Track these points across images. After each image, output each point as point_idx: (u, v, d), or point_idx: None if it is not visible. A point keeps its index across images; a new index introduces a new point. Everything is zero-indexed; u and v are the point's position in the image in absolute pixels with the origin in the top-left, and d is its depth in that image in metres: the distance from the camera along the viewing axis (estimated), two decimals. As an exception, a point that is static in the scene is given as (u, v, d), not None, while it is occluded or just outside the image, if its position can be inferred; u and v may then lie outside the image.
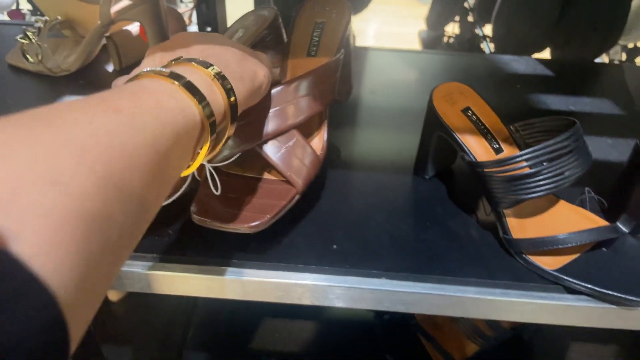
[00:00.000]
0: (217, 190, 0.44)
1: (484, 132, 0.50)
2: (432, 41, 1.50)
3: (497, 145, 0.50)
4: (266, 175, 0.47)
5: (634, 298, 0.42)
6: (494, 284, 0.45)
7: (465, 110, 0.52)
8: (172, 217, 0.49)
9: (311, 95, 0.45)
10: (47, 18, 0.74)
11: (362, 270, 0.46)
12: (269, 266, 0.46)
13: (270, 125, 0.44)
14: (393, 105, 0.70)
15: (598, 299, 0.44)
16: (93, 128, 0.22)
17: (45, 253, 0.17)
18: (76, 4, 0.74)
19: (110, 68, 0.74)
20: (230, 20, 0.94)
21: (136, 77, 0.31)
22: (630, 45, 1.20)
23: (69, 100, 0.24)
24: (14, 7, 1.58)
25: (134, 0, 0.65)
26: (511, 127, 0.50)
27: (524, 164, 0.42)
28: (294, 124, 0.45)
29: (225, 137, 0.36)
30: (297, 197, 0.46)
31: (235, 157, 0.45)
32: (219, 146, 0.36)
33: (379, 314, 0.84)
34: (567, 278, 0.44)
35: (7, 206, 0.17)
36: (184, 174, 0.35)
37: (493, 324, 0.76)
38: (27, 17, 1.59)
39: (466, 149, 0.48)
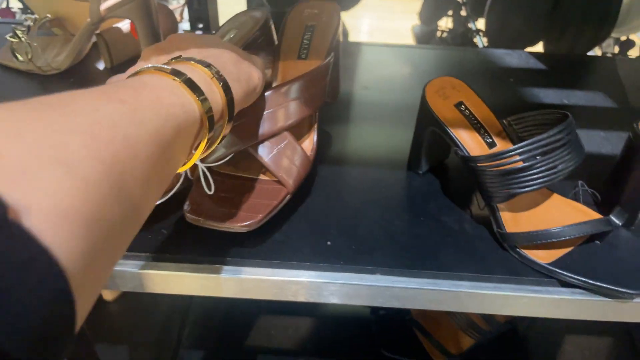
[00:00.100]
0: (210, 190, 0.44)
1: (477, 126, 0.50)
2: (426, 36, 1.50)
3: (490, 140, 0.50)
4: (258, 176, 0.48)
5: (627, 290, 0.42)
6: (488, 279, 0.45)
7: (458, 105, 0.51)
8: (165, 216, 0.48)
9: (302, 99, 0.46)
10: (37, 16, 0.73)
11: (357, 266, 0.46)
12: (263, 264, 0.45)
13: (262, 127, 0.45)
14: (386, 100, 0.70)
15: (592, 292, 0.44)
16: (99, 117, 0.23)
17: (54, 228, 0.18)
18: (66, 1, 0.73)
19: (101, 66, 0.73)
20: (222, 17, 0.93)
21: (137, 73, 0.32)
22: (623, 38, 1.20)
23: (73, 91, 0.25)
24: (3, 5, 1.56)
25: (123, -3, 0.64)
26: (504, 121, 0.50)
27: (517, 157, 0.42)
28: (285, 126, 0.46)
29: (222, 135, 0.36)
30: (288, 196, 0.47)
31: (228, 158, 0.46)
32: (216, 143, 0.36)
33: (375, 309, 0.84)
34: (560, 271, 0.44)
35: (18, 181, 0.18)
36: (180, 169, 0.35)
37: (488, 318, 0.76)
38: (18, 16, 1.57)
39: (459, 143, 0.48)
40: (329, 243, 0.47)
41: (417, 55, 0.82)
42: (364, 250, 0.47)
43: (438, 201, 0.53)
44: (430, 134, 0.52)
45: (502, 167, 0.43)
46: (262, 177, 0.48)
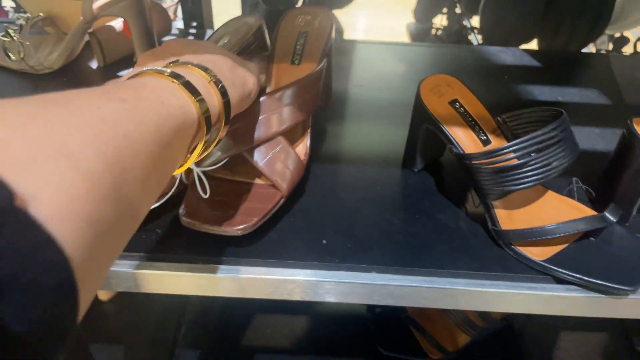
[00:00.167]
0: (205, 194, 0.44)
1: (471, 124, 0.50)
2: (421, 34, 1.50)
3: (485, 137, 0.50)
4: (253, 180, 0.48)
5: (621, 287, 0.42)
6: (483, 276, 0.45)
7: (453, 102, 0.51)
8: (159, 216, 0.48)
9: (295, 105, 0.47)
10: (29, 15, 0.72)
11: (352, 264, 0.46)
12: (259, 262, 0.45)
13: (257, 132, 0.45)
14: (381, 98, 0.70)
15: (586, 289, 0.44)
16: (101, 114, 0.23)
17: (60, 218, 0.18)
18: (58, 0, 0.72)
19: (94, 65, 0.72)
20: (216, 15, 0.93)
21: (136, 75, 0.32)
22: (617, 35, 1.21)
23: (75, 90, 0.25)
24: (-4, 4, 1.55)
25: (116, -4, 0.64)
26: (498, 118, 0.50)
27: (512, 155, 0.42)
28: (279, 131, 0.46)
29: (218, 138, 0.37)
30: (282, 200, 0.47)
31: (223, 162, 0.46)
32: (212, 146, 0.37)
33: (371, 307, 0.84)
34: (555, 268, 0.44)
35: (25, 171, 0.18)
36: (177, 171, 0.36)
37: (484, 315, 0.76)
38: (11, 15, 1.56)
39: (454, 141, 0.48)
40: (324, 241, 0.47)
41: (411, 53, 0.82)
42: (360, 249, 0.47)
43: (433, 199, 0.53)
44: (425, 132, 0.52)
45: (497, 165, 0.43)
46: (256, 181, 0.48)
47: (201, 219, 0.44)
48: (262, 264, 0.45)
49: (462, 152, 0.47)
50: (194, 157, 0.35)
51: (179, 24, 0.87)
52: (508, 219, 0.47)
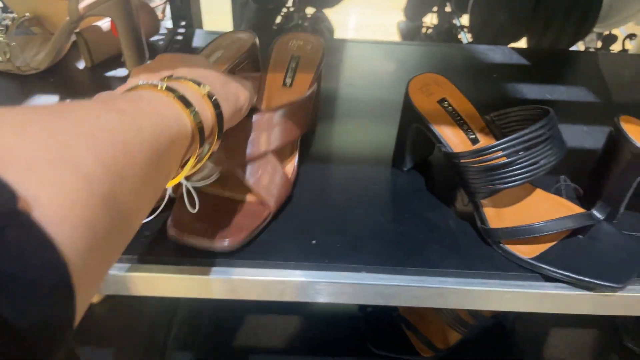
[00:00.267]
0: (194, 208, 0.45)
1: (460, 122, 0.50)
2: (411, 32, 1.50)
3: (474, 136, 0.50)
4: (241, 196, 0.49)
5: (609, 284, 0.42)
6: (472, 274, 0.45)
7: (442, 101, 0.51)
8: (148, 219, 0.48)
9: (286, 125, 0.48)
10: (16, 15, 0.71)
11: (342, 264, 0.46)
12: (248, 264, 0.45)
13: (247, 149, 0.47)
14: (371, 97, 0.70)
15: (575, 286, 0.44)
16: (101, 123, 0.24)
17: (60, 221, 0.19)
18: (45, 0, 0.71)
19: (81, 65, 0.72)
20: (206, 13, 0.92)
21: (131, 88, 0.33)
22: (606, 33, 1.21)
23: (75, 101, 0.26)
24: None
25: (103, -5, 0.63)
26: (487, 117, 0.50)
27: (500, 153, 0.43)
28: (268, 150, 0.47)
29: (210, 151, 0.37)
30: (269, 217, 0.48)
31: (212, 179, 0.47)
32: (204, 159, 0.37)
33: (363, 306, 0.84)
34: (543, 266, 0.44)
35: (28, 175, 0.19)
36: (169, 184, 0.37)
37: (474, 313, 0.77)
38: (-3, 14, 1.54)
39: (442, 140, 0.48)
40: (314, 242, 0.47)
41: (401, 52, 0.82)
42: (350, 248, 0.47)
43: (423, 198, 0.53)
44: (414, 131, 0.52)
45: (485, 164, 0.43)
46: (244, 197, 0.49)
47: (188, 234, 0.44)
48: (252, 265, 0.45)
49: (450, 151, 0.47)
50: (187, 169, 0.36)
51: (167, 23, 0.87)
52: (497, 217, 0.47)
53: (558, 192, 0.51)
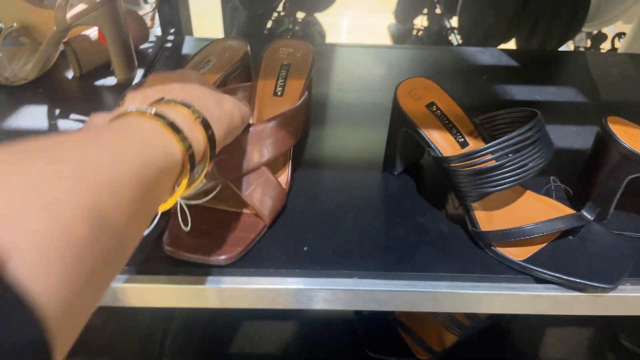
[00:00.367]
0: (186, 226, 0.45)
1: (448, 126, 0.50)
2: (402, 34, 1.51)
3: (463, 139, 0.50)
4: (236, 209, 0.49)
5: (600, 285, 0.43)
6: (464, 278, 0.45)
7: (430, 106, 0.52)
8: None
9: (279, 136, 0.48)
10: (3, 25, 0.71)
11: (334, 271, 0.45)
12: (240, 272, 0.45)
13: (242, 163, 0.47)
14: (361, 101, 0.70)
15: (566, 287, 0.44)
16: (83, 162, 0.24)
17: (35, 274, 0.18)
18: (32, 10, 0.71)
19: (70, 75, 0.71)
20: (196, 17, 0.92)
21: (121, 115, 0.32)
22: (595, 32, 1.22)
23: (60, 135, 0.25)
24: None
25: (90, 5, 0.63)
26: (475, 120, 0.51)
27: (489, 157, 0.43)
28: (262, 162, 0.47)
29: (203, 173, 0.37)
30: (265, 229, 0.48)
31: (208, 198, 0.47)
32: (196, 182, 0.37)
33: (358, 310, 0.84)
34: (534, 268, 0.44)
35: (3, 225, 0.18)
36: (161, 208, 0.36)
37: (470, 314, 0.77)
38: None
39: (432, 144, 0.48)
40: (305, 248, 0.47)
41: (391, 56, 0.82)
42: (341, 254, 0.47)
43: (414, 202, 0.53)
44: (403, 135, 0.52)
45: (474, 167, 0.43)
46: (239, 210, 0.49)
47: (184, 248, 0.44)
48: (244, 274, 0.45)
49: (439, 155, 0.48)
50: (179, 193, 0.35)
51: (156, 30, 0.86)
52: (487, 220, 0.47)
53: (548, 194, 0.51)
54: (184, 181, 0.34)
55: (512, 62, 0.81)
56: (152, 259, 0.45)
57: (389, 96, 0.55)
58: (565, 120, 0.67)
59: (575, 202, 0.52)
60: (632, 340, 0.84)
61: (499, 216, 0.47)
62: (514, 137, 0.42)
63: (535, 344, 0.84)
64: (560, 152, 0.58)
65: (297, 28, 1.31)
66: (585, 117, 0.67)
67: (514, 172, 0.43)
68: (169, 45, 0.81)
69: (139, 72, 0.72)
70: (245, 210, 0.48)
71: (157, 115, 0.32)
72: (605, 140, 0.47)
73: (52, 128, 0.62)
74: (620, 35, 1.16)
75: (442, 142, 0.49)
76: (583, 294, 0.45)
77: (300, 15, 1.30)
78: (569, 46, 1.23)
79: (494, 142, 0.42)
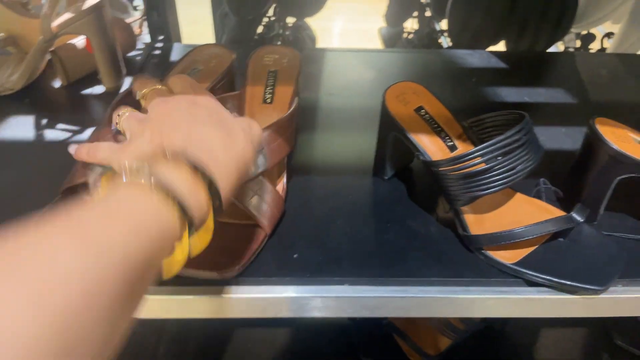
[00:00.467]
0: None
1: (437, 130, 0.50)
2: (393, 37, 1.51)
3: (452, 143, 0.50)
4: (236, 220, 0.48)
5: (591, 287, 0.42)
6: (455, 282, 0.45)
7: (419, 110, 0.51)
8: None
9: (274, 145, 0.48)
10: (-12, 35, 0.70)
11: (324, 278, 0.45)
12: (230, 281, 0.44)
13: None
14: (351, 106, 0.70)
15: (557, 290, 0.44)
16: (55, 269, 0.21)
17: None
18: (19, 19, 0.71)
19: (57, 84, 0.71)
20: (187, 24, 0.92)
21: (116, 187, 0.30)
22: (584, 32, 1.23)
23: (32, 230, 0.23)
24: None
25: (76, 13, 0.63)
26: (464, 123, 0.50)
27: (478, 160, 0.43)
28: (258, 172, 0.47)
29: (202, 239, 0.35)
30: (266, 239, 0.47)
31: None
32: (197, 247, 0.35)
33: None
34: (525, 271, 0.44)
35: None
36: (165, 277, 0.33)
37: (464, 318, 0.76)
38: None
39: (420, 148, 0.48)
40: (295, 256, 0.47)
41: (381, 59, 0.82)
42: (332, 261, 0.46)
43: (404, 206, 0.53)
44: (393, 140, 0.52)
45: (463, 171, 0.43)
46: (238, 221, 0.47)
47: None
48: (234, 283, 0.45)
49: (428, 159, 0.47)
50: (176, 268, 0.32)
51: (145, 37, 0.86)
52: (477, 223, 0.47)
53: (538, 196, 0.51)
54: (180, 250, 0.31)
55: (501, 64, 0.81)
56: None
57: (378, 100, 0.54)
58: (555, 121, 0.67)
59: (566, 203, 0.52)
60: (626, 340, 0.84)
61: (489, 219, 0.47)
62: (502, 140, 0.42)
63: (530, 346, 0.84)
64: (550, 153, 0.58)
65: (287, 33, 1.31)
66: (574, 118, 0.68)
67: (503, 175, 0.43)
68: (157, 52, 0.80)
69: (127, 80, 0.71)
70: (245, 221, 0.47)
71: (156, 186, 0.29)
72: (593, 142, 0.47)
73: (40, 138, 0.61)
74: (609, 35, 1.17)
75: (431, 146, 0.49)
76: (575, 296, 0.44)
77: (290, 20, 1.30)
78: (558, 47, 1.23)
79: (483, 146, 0.42)
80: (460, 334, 0.76)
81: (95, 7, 0.63)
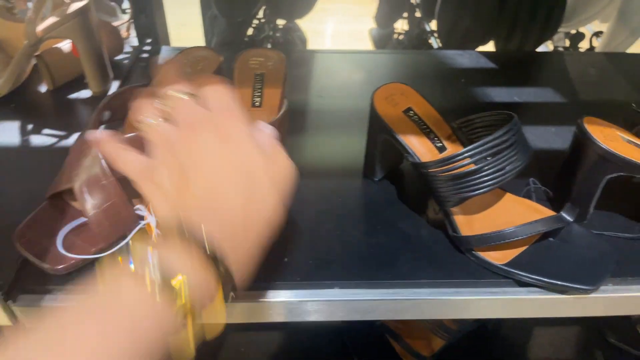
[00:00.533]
0: None
1: (426, 131, 0.50)
2: (383, 39, 1.51)
3: (441, 144, 0.50)
4: None
5: (581, 286, 0.42)
6: (446, 284, 0.45)
7: (407, 111, 0.51)
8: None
9: None
10: (-28, 40, 0.70)
11: (314, 282, 0.45)
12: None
13: None
14: (341, 108, 0.69)
15: (547, 290, 0.44)
16: None
17: None
18: (4, 23, 0.70)
19: (43, 89, 0.70)
20: (177, 27, 0.91)
21: (117, 281, 0.28)
22: (573, 31, 1.23)
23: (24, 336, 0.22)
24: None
25: (61, 17, 0.62)
26: (453, 124, 0.50)
27: (467, 161, 0.42)
28: None
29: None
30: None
31: None
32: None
33: (346, 317, 0.83)
34: (515, 271, 0.44)
35: None
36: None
37: (457, 318, 0.76)
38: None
39: (409, 150, 0.48)
40: (285, 259, 0.46)
41: (371, 61, 0.82)
42: (322, 264, 0.46)
43: (394, 208, 0.52)
44: (382, 141, 0.52)
45: (451, 172, 0.43)
46: None
47: None
48: (222, 287, 0.44)
49: (417, 160, 0.47)
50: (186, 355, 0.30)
51: (133, 40, 0.85)
52: (467, 224, 0.46)
53: (528, 196, 0.51)
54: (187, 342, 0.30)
55: (491, 64, 0.81)
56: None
57: (368, 102, 0.54)
58: (545, 121, 0.67)
59: (555, 203, 0.52)
60: (619, 337, 0.84)
61: (479, 220, 0.47)
62: (490, 141, 0.42)
63: (523, 345, 0.84)
64: (539, 153, 0.58)
65: (278, 35, 1.30)
66: (564, 118, 0.68)
67: (492, 176, 0.43)
68: (145, 55, 0.80)
69: (115, 84, 0.71)
70: None
71: (163, 286, 0.27)
72: (582, 141, 0.47)
73: (26, 143, 0.60)
74: (597, 34, 1.18)
75: (420, 148, 0.49)
76: (565, 296, 0.44)
77: (281, 22, 1.30)
78: (548, 46, 1.24)
79: (471, 147, 0.42)
80: (454, 335, 0.76)
81: (80, 11, 0.63)
